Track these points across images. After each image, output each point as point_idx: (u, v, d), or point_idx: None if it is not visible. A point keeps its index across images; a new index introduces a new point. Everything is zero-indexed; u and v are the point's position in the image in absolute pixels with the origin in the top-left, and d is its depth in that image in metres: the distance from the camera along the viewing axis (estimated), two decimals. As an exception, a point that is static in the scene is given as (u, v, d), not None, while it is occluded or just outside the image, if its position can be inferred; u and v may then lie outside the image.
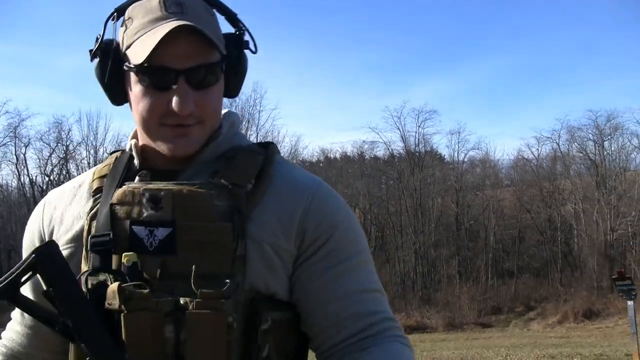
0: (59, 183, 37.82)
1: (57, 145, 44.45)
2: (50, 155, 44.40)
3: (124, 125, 45.01)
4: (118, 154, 1.52)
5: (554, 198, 46.23)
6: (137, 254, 1.29)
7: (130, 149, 1.49)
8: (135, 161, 1.47)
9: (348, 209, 1.50)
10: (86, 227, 1.38)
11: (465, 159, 49.81)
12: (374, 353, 1.36)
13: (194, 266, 1.25)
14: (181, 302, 1.26)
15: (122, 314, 1.24)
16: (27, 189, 44.49)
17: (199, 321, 1.24)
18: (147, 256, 1.30)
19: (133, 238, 1.31)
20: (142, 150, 1.47)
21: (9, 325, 1.58)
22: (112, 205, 1.35)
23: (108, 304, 1.25)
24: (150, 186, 1.35)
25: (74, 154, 45.44)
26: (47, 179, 43.42)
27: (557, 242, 43.95)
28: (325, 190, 1.47)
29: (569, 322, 33.79)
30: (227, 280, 1.27)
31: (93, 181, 1.48)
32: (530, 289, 40.06)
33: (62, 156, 44.57)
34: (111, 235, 1.32)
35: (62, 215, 1.49)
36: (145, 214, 1.32)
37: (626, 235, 43.08)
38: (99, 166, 1.52)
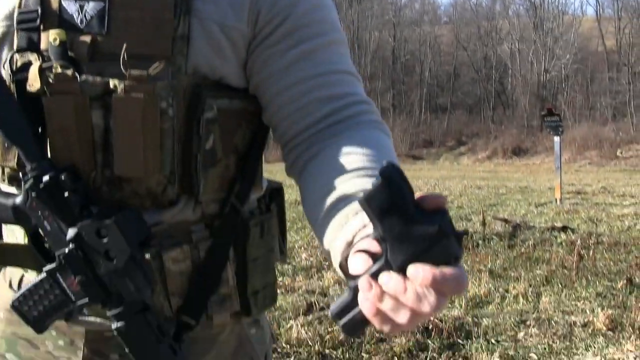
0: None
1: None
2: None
3: None
4: None
5: (491, 37, 46.88)
6: (65, 31, 1.17)
7: None
8: None
9: None
10: (17, 3, 1.22)
11: None
12: (343, 140, 1.19)
13: (124, 44, 1.13)
14: (110, 85, 1.14)
15: (43, 97, 1.15)
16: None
17: (127, 106, 1.14)
18: (76, 34, 1.18)
19: (62, 13, 1.20)
20: None
21: None
22: None
23: (29, 86, 1.16)
24: None
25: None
26: None
27: (492, 80, 45.01)
28: None
29: (498, 158, 34.94)
30: (159, 62, 1.14)
31: None
32: (462, 124, 41.13)
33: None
34: (39, 10, 1.20)
35: None
36: None
37: (559, 77, 44.08)
38: None
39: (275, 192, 1.41)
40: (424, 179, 21.80)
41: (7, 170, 1.24)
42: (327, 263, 7.03)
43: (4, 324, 1.34)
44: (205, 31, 1.21)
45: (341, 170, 1.13)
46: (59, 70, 1.15)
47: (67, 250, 1.11)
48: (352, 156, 1.15)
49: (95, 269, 1.12)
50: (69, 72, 1.15)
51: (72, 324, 1.26)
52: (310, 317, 4.99)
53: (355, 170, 1.11)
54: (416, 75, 45.87)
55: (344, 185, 1.09)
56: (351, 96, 1.27)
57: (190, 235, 1.24)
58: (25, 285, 1.18)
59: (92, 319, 1.24)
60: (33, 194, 1.12)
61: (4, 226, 1.32)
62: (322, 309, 5.20)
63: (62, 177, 1.11)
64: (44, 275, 1.15)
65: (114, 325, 1.13)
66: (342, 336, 4.66)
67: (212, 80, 1.24)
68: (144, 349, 1.14)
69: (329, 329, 4.76)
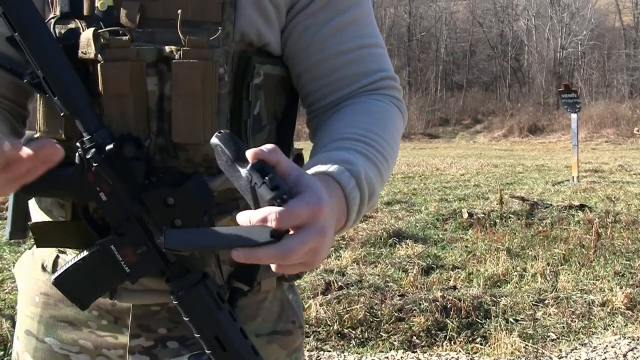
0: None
1: None
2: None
3: None
4: None
5: (507, 13, 46.48)
6: None
7: None
8: None
9: None
10: None
11: None
12: (347, 107, 1.27)
13: (179, 10, 1.12)
14: (166, 50, 1.13)
15: (98, 64, 1.12)
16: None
17: (186, 71, 1.12)
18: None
19: None
20: None
21: None
22: None
23: (82, 52, 1.12)
24: None
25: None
26: None
27: (508, 57, 44.62)
28: None
29: (514, 136, 34.64)
30: (219, 28, 1.16)
31: None
32: (478, 102, 40.80)
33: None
34: None
35: None
36: None
37: (575, 54, 43.67)
38: None
39: (298, 157, 1.43)
40: (440, 157, 21.72)
41: None
42: (344, 242, 7.05)
43: (41, 307, 1.33)
44: None
45: (328, 135, 1.20)
46: (114, 36, 1.13)
47: (127, 220, 1.10)
48: (346, 121, 1.22)
49: (154, 237, 1.11)
50: (125, 37, 1.13)
51: (118, 300, 1.25)
52: (328, 297, 5.02)
53: (338, 139, 1.17)
54: (432, 52, 45.52)
55: (322, 153, 1.14)
56: (381, 72, 1.31)
57: (237, 202, 1.23)
58: (65, 264, 1.16)
59: (138, 293, 1.24)
60: (95, 164, 1.08)
61: (34, 208, 1.30)
62: (340, 288, 5.23)
63: (126, 145, 1.08)
64: (95, 248, 1.13)
65: (174, 295, 1.11)
66: (360, 315, 4.69)
67: (256, 47, 1.24)
68: (205, 317, 1.12)
69: (348, 308, 4.78)
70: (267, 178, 0.86)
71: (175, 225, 1.08)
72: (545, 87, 40.82)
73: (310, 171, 1.07)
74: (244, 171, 0.88)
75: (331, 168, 1.06)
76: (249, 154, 0.88)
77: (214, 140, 0.92)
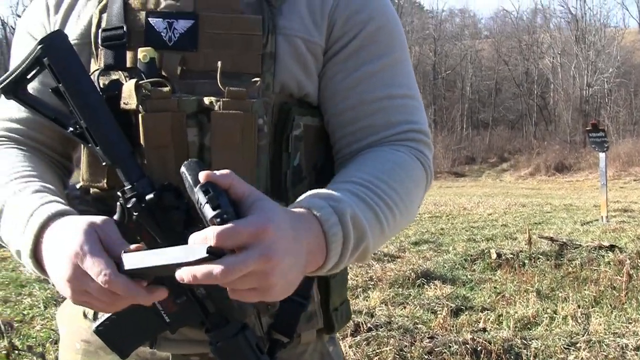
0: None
1: (29, -14, 44.10)
2: (22, -4, 44.56)
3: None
4: None
5: (532, 51, 46.48)
6: (154, 49, 1.19)
7: None
8: None
9: None
10: (95, 21, 1.25)
11: (445, 8, 49.69)
12: (364, 154, 1.26)
13: (219, 62, 1.14)
14: (206, 102, 1.15)
15: (139, 115, 1.13)
16: (-2, 29, 44.64)
17: (226, 122, 1.14)
18: (165, 52, 1.20)
19: (150, 31, 1.21)
20: None
21: None
22: None
23: (124, 103, 1.15)
24: None
25: (46, -4, 45.33)
26: (18, 19, 42.75)
27: (533, 95, 44.55)
28: None
29: (541, 175, 34.42)
30: (258, 79, 1.17)
31: None
32: (504, 140, 40.67)
33: (33, -4, 44.24)
34: (125, 28, 1.20)
35: (67, 8, 1.33)
36: (163, 4, 1.22)
37: (602, 92, 43.46)
38: None
39: None
40: (467, 196, 21.62)
41: (93, 191, 1.23)
42: (372, 283, 7.03)
43: (82, 354, 1.34)
44: (291, 48, 1.23)
45: (335, 178, 1.19)
46: (156, 87, 1.15)
47: None
48: (356, 167, 1.21)
49: (194, 288, 1.10)
50: (166, 89, 1.15)
51: (157, 349, 1.25)
52: (357, 338, 4.99)
53: (340, 181, 1.17)
54: (457, 90, 45.64)
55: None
56: (407, 124, 1.29)
57: None
58: (106, 313, 1.15)
59: (178, 343, 1.23)
60: (135, 213, 1.08)
61: None
62: (369, 329, 5.20)
63: (166, 195, 1.08)
64: None
65: (213, 345, 1.11)
66: (390, 357, 4.66)
67: (297, 98, 1.26)
68: None
69: (377, 350, 4.76)
70: (208, 197, 0.88)
71: None
72: (572, 125, 40.62)
73: (292, 205, 1.08)
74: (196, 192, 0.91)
75: (312, 202, 1.05)
76: (201, 176, 0.90)
77: (182, 168, 0.95)
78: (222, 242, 0.85)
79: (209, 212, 0.88)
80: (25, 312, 5.55)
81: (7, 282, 6.62)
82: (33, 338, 5.03)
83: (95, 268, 0.96)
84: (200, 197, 0.89)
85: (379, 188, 1.16)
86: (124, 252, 0.98)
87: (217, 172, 0.90)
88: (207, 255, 0.85)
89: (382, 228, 1.15)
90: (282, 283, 0.92)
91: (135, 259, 0.96)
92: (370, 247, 1.12)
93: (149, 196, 1.08)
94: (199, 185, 0.90)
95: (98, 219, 1.03)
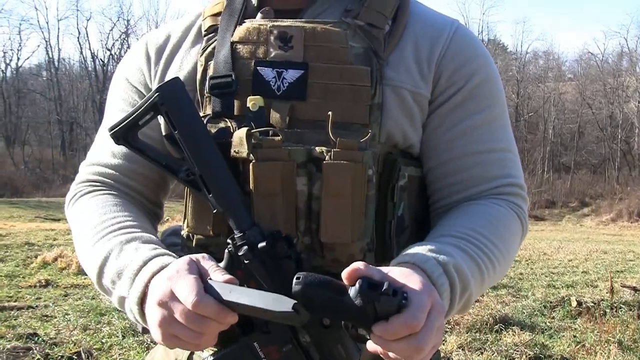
0: (120, 57, 40.92)
1: (118, 20, 47.61)
2: (111, 30, 46.14)
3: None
4: None
5: (617, 95, 45.41)
6: (263, 97, 1.19)
7: None
8: None
9: (487, 53, 1.36)
10: (201, 68, 1.27)
11: (529, 50, 49.19)
12: (464, 207, 1.27)
13: (330, 113, 1.14)
14: (316, 152, 1.16)
15: (250, 163, 1.15)
16: (88, 62, 45.74)
17: (337, 173, 1.14)
18: (274, 101, 1.21)
19: (258, 80, 1.22)
20: None
21: (89, 165, 1.40)
22: (233, 43, 1.24)
23: (234, 152, 1.15)
24: (278, 23, 1.24)
25: (134, 29, 47.27)
26: (108, 52, 45.20)
27: (617, 139, 43.29)
28: (464, 30, 1.33)
29: (623, 221, 33.40)
30: (369, 130, 1.17)
31: (204, 19, 1.34)
32: (585, 184, 39.66)
33: (123, 30, 46.17)
34: (233, 76, 1.21)
35: (169, 55, 1.36)
36: (272, 54, 1.22)
37: (688, 137, 41.99)
38: (208, 5, 1.38)
39: None
40: (547, 240, 21.14)
41: (197, 237, 1.23)
42: (449, 326, 7.03)
43: None
44: (398, 99, 1.24)
45: (436, 231, 1.23)
46: (265, 136, 1.15)
47: None
48: (456, 220, 1.24)
49: (299, 336, 1.08)
50: (277, 138, 1.15)
51: None
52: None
53: (442, 235, 1.20)
54: (539, 133, 44.88)
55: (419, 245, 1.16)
56: (506, 178, 1.31)
57: None
58: (196, 349, 1.17)
59: None
60: (246, 261, 1.08)
61: None
62: (447, 373, 5.22)
63: (278, 244, 1.07)
64: (236, 345, 1.10)
65: None
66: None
67: (400, 149, 1.27)
68: None
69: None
70: (384, 289, 0.95)
71: (324, 325, 1.06)
72: (657, 171, 39.45)
73: (396, 259, 1.12)
74: (352, 292, 0.96)
75: (418, 257, 1.10)
76: (347, 276, 0.97)
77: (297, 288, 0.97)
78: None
79: (389, 302, 0.95)
80: (104, 341, 5.61)
81: (87, 310, 6.71)
82: (111, 366, 5.15)
83: (187, 288, 0.99)
84: (370, 294, 0.95)
85: (481, 243, 1.18)
86: (209, 279, 1.02)
87: (360, 266, 0.99)
88: (292, 311, 0.92)
89: (483, 278, 1.18)
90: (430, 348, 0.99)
91: (223, 289, 0.99)
92: (473, 296, 1.15)
93: (262, 244, 1.07)
94: (359, 286, 0.95)
95: (199, 255, 1.08)
